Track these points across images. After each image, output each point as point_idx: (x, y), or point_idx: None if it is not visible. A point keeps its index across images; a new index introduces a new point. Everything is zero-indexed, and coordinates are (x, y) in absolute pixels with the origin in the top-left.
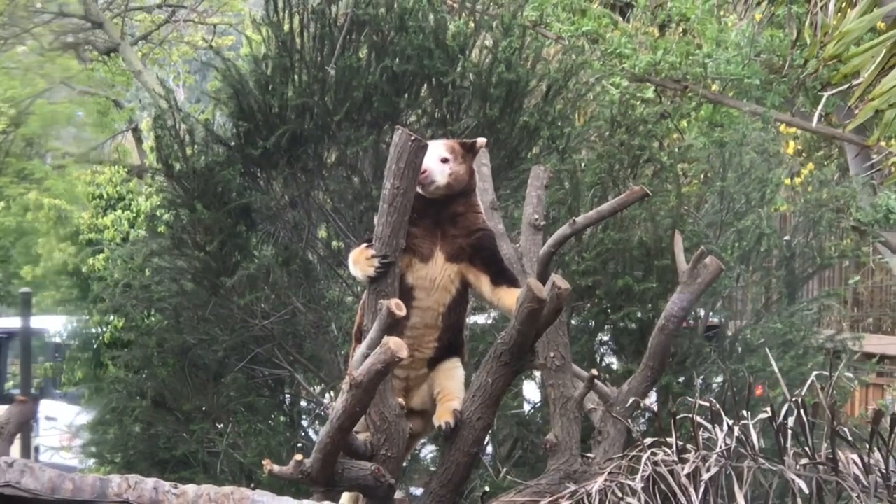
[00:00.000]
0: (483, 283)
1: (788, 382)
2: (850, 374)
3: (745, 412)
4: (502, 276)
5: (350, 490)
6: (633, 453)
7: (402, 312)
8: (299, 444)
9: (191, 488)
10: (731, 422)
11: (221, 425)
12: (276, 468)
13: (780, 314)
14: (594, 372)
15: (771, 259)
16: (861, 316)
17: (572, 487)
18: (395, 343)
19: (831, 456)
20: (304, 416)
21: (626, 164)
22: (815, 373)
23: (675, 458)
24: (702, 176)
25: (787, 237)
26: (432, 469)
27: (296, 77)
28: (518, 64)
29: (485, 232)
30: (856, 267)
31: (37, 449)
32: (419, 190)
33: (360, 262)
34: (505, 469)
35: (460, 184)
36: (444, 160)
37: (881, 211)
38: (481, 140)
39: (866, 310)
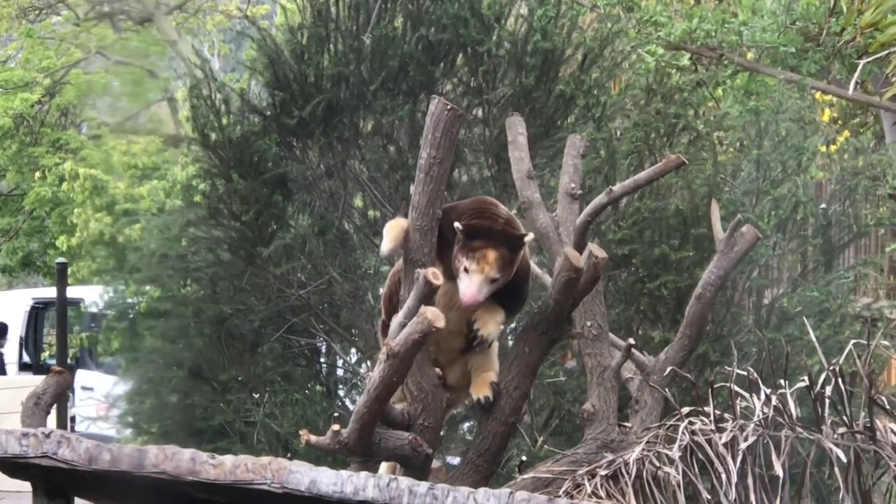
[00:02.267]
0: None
1: (825, 351)
2: (887, 343)
3: (782, 381)
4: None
5: (387, 460)
6: (671, 422)
7: (439, 281)
8: (336, 414)
9: (228, 459)
10: (768, 391)
11: (258, 395)
12: (312, 438)
13: (816, 282)
14: (631, 341)
15: (807, 227)
16: None
17: (609, 457)
18: (432, 313)
19: (869, 425)
20: (340, 386)
21: (662, 133)
22: (852, 341)
23: (713, 428)
24: (738, 144)
25: (823, 205)
26: (469, 438)
27: (331, 46)
28: (553, 32)
29: (518, 277)
30: (892, 235)
31: (73, 419)
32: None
33: (393, 230)
34: (542, 438)
35: (502, 285)
36: (494, 280)
37: None
38: (530, 236)
39: None
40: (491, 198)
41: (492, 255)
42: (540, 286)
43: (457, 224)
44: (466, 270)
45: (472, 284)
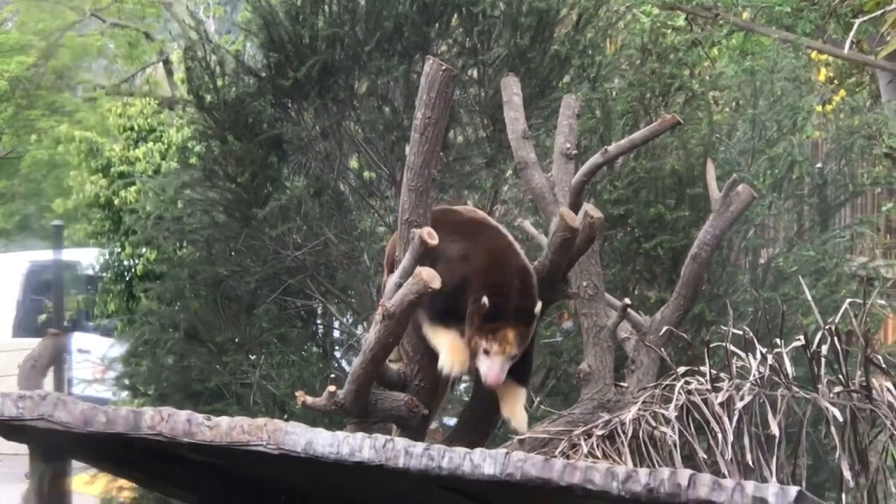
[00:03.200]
0: None
1: (821, 310)
2: (883, 302)
3: (778, 340)
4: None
5: (384, 421)
6: (667, 382)
7: (435, 241)
8: (332, 375)
9: (224, 420)
10: (764, 350)
11: (254, 357)
12: (309, 400)
13: (812, 242)
14: (627, 301)
15: (803, 186)
16: (894, 243)
17: (606, 417)
18: (427, 273)
19: (865, 383)
20: (336, 347)
21: (658, 93)
22: (848, 300)
23: (709, 387)
24: (733, 104)
25: (819, 164)
26: (466, 400)
27: (326, 7)
28: None
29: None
30: (888, 194)
31: (70, 382)
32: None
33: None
34: (538, 399)
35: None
36: (514, 357)
37: None
38: (539, 306)
39: None
40: (498, 228)
41: (511, 334)
42: (536, 246)
43: (471, 309)
44: (487, 352)
45: (494, 367)
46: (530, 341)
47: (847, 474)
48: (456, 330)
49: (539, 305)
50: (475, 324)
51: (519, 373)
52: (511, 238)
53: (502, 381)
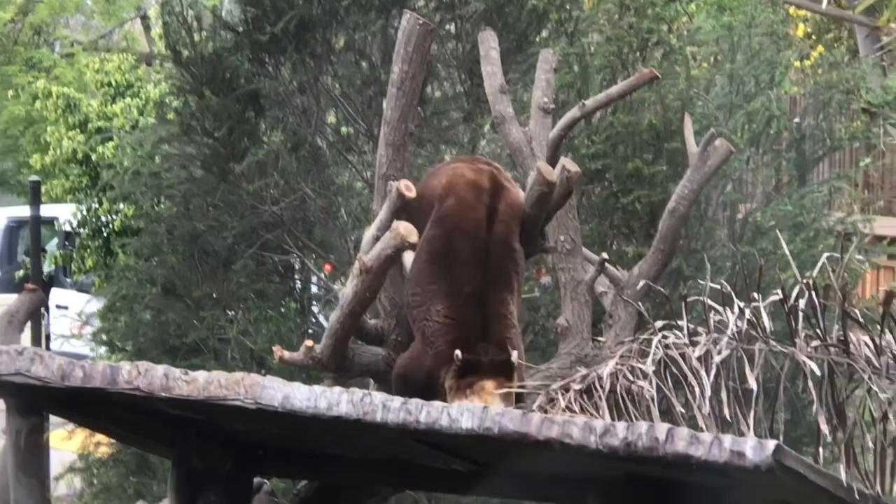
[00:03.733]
0: None
1: (799, 265)
2: (860, 257)
3: (756, 295)
4: None
5: (361, 375)
6: (645, 337)
7: (412, 193)
8: (310, 331)
9: (201, 375)
10: (742, 304)
11: (232, 312)
12: (286, 355)
13: (790, 196)
14: (605, 255)
15: (781, 141)
16: (872, 198)
17: (583, 371)
18: (404, 227)
19: (843, 338)
20: (314, 302)
21: (635, 48)
22: (826, 255)
23: (687, 342)
24: (711, 59)
25: (796, 119)
26: None
27: None
28: None
29: None
30: (866, 149)
31: (48, 337)
32: None
33: None
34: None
35: None
36: None
37: (891, 93)
38: (515, 357)
39: (877, 192)
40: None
41: (489, 386)
42: None
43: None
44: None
45: None
46: None
47: (824, 428)
48: None
49: (515, 355)
50: (452, 386)
51: None
52: (509, 309)
53: None
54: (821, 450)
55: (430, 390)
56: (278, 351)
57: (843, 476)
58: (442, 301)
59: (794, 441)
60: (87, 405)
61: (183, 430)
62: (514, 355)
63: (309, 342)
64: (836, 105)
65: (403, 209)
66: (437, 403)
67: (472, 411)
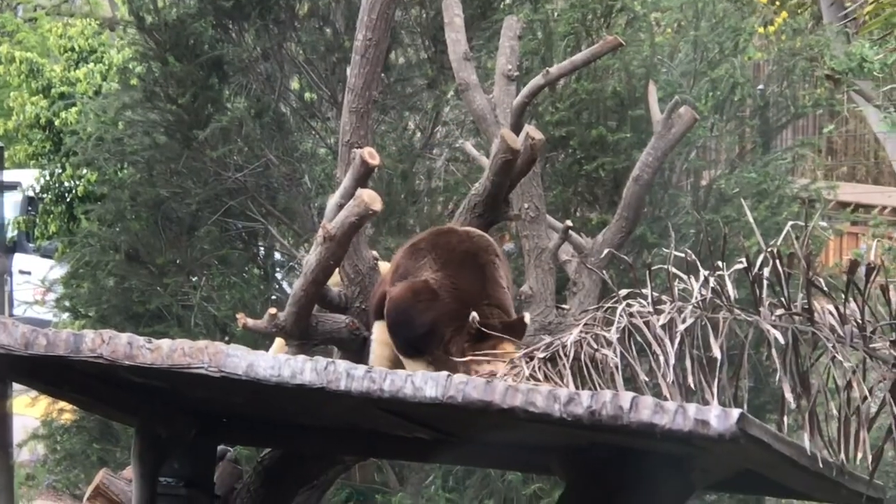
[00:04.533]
0: None
1: (763, 232)
2: (824, 224)
3: (720, 263)
4: None
5: (325, 343)
6: (609, 305)
7: (376, 161)
8: (273, 297)
9: (165, 343)
10: (706, 273)
11: (195, 278)
12: (250, 322)
13: (754, 164)
14: (569, 223)
15: (745, 108)
16: (835, 165)
17: (547, 339)
18: (368, 195)
19: (807, 307)
20: (277, 269)
21: (599, 14)
22: (790, 223)
23: (651, 310)
24: (675, 25)
25: (760, 86)
26: None
27: None
28: None
29: None
30: (830, 115)
31: (11, 303)
32: None
33: None
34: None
35: None
36: None
37: (855, 60)
38: (527, 318)
39: (840, 158)
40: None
41: (510, 348)
42: (477, 168)
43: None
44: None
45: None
46: None
47: (789, 397)
48: (424, 360)
49: (528, 316)
50: (464, 352)
51: None
52: (501, 275)
53: None
54: (785, 418)
55: (431, 339)
56: (242, 318)
57: (807, 444)
58: (437, 262)
59: (757, 408)
60: (50, 373)
61: (147, 399)
62: (527, 316)
63: (272, 310)
64: (799, 72)
65: (367, 176)
66: (402, 372)
67: (435, 380)
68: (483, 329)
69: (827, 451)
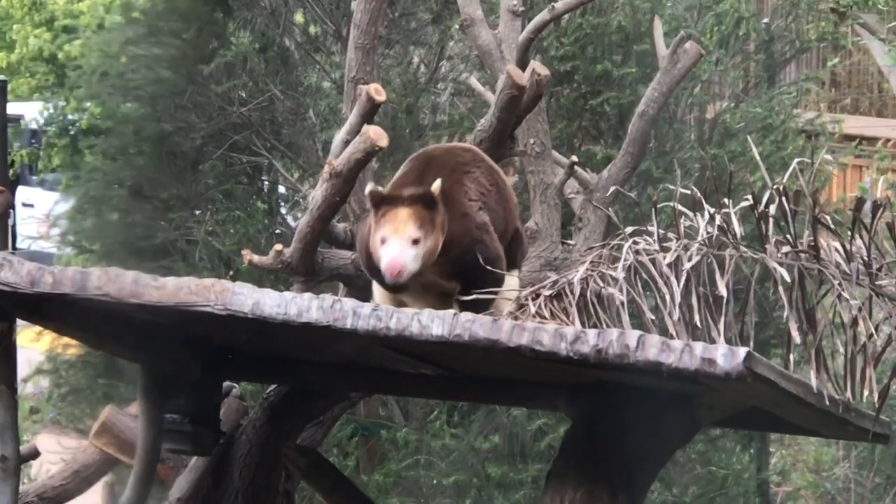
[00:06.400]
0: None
1: (768, 167)
2: (829, 157)
3: (725, 200)
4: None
5: (330, 280)
6: (615, 242)
7: (382, 97)
8: (277, 231)
9: (171, 280)
10: (712, 210)
11: (199, 213)
12: (255, 258)
13: (759, 98)
14: (574, 158)
15: (749, 42)
16: (839, 98)
17: (553, 276)
18: (374, 131)
19: (813, 243)
20: (282, 204)
21: None
22: (796, 160)
23: (657, 247)
24: None
25: (765, 20)
26: None
27: None
28: None
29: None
30: (834, 49)
31: (14, 237)
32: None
33: None
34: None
35: (435, 252)
36: (416, 241)
37: None
38: (436, 185)
39: (844, 90)
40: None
41: (404, 213)
42: (482, 103)
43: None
44: (384, 241)
45: (388, 251)
46: (467, 242)
47: (795, 334)
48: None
49: (438, 183)
50: (371, 220)
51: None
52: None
53: (407, 266)
54: (791, 355)
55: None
56: (247, 254)
57: (813, 382)
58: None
59: (762, 343)
60: (55, 310)
61: (152, 335)
62: (437, 184)
63: (278, 246)
64: (804, 6)
65: (373, 112)
66: (408, 310)
67: (442, 318)
68: (386, 197)
69: (833, 389)
